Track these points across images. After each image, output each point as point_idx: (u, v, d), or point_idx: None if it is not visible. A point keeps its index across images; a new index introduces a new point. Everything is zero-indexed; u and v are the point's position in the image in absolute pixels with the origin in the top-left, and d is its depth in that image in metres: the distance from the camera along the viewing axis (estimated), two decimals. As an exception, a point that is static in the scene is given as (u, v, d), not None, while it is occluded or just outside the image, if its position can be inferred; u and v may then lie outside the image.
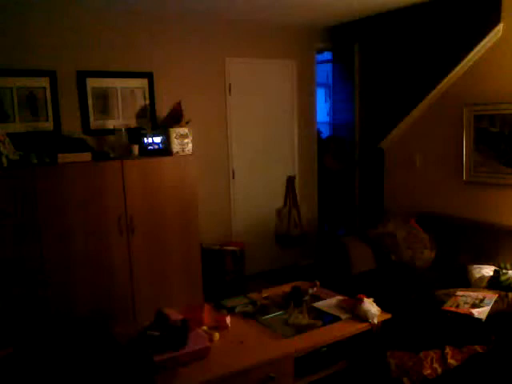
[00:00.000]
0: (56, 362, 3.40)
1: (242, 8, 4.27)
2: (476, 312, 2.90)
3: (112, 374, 3.02)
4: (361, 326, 2.86)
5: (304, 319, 2.89)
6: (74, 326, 3.53)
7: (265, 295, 3.32)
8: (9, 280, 3.30)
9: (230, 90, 4.85)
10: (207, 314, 2.93)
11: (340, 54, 5.90)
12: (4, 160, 3.29)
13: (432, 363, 2.62)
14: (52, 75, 3.92)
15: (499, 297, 3.08)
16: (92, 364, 3.34)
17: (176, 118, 4.00)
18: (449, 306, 3.04)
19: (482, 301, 3.02)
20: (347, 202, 5.71)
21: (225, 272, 4.53)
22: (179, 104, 4.05)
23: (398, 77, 4.89)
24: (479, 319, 2.86)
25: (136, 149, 3.91)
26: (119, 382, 2.89)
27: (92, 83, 4.10)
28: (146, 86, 4.34)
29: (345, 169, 5.70)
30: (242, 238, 4.96)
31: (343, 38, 5.41)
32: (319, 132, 5.97)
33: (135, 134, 4.09)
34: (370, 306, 2.91)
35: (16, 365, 2.87)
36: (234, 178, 4.98)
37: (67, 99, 4.01)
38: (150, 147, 4.05)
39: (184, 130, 3.92)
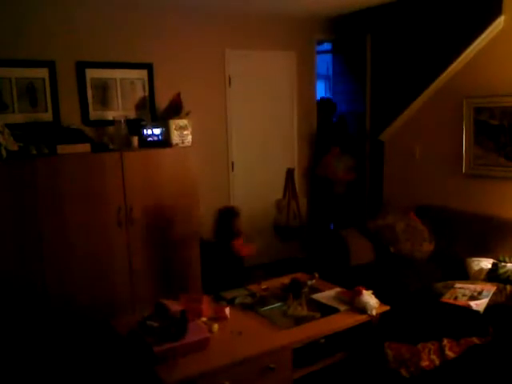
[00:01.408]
0: (57, 354, 3.42)
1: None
2: (474, 304, 2.91)
3: (112, 365, 3.03)
4: (359, 318, 2.87)
5: (303, 311, 2.90)
6: (74, 317, 3.54)
7: (264, 287, 3.33)
8: (8, 272, 3.30)
9: (229, 82, 4.83)
10: (206, 305, 2.94)
11: (342, 46, 5.87)
12: (3, 151, 3.28)
13: (430, 355, 2.64)
14: (51, 66, 3.91)
15: (497, 289, 3.09)
16: (92, 355, 3.36)
17: (175, 109, 4.00)
18: (447, 298, 3.05)
19: (480, 293, 3.03)
20: (355, 197, 5.63)
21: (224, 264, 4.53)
22: (179, 95, 4.04)
23: (403, 68, 4.88)
24: (477, 311, 2.87)
25: (135, 140, 3.91)
26: (119, 373, 2.91)
27: (91, 74, 4.09)
28: (146, 77, 4.33)
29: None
30: (242, 230, 4.95)
31: (348, 29, 5.38)
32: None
33: (135, 126, 4.08)
34: (369, 298, 2.92)
35: None
36: (233, 170, 4.98)
37: (66, 90, 4.00)
38: (149, 139, 4.05)
39: (183, 122, 3.91)
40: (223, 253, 3.44)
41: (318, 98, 5.77)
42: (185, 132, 3.91)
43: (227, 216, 3.45)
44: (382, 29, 5.17)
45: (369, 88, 5.45)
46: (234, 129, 4.92)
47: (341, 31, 5.40)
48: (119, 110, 4.21)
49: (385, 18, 5.01)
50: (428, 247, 3.90)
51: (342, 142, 5.47)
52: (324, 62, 6.35)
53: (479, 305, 2.91)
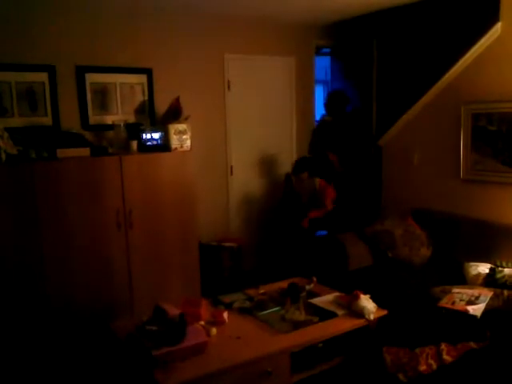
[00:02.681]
0: (56, 356, 3.42)
1: (241, 4, 4.27)
2: (471, 309, 2.92)
3: (111, 369, 3.04)
4: (357, 322, 2.88)
5: (301, 315, 2.91)
6: (73, 319, 3.54)
7: (262, 291, 3.33)
8: (8, 275, 3.30)
9: (228, 87, 4.85)
10: (205, 309, 2.94)
11: (340, 51, 5.90)
12: (3, 155, 3.29)
13: (427, 359, 2.64)
14: (51, 70, 3.92)
15: (494, 294, 3.09)
16: (91, 358, 3.36)
17: (175, 114, 4.01)
18: (444, 302, 3.05)
19: (477, 298, 3.04)
20: (353, 202, 5.60)
21: (222, 268, 4.55)
22: (178, 100, 4.06)
23: (401, 73, 4.91)
24: (474, 316, 2.87)
25: (134, 144, 3.92)
26: (118, 377, 2.91)
27: (91, 78, 4.10)
28: (145, 82, 4.34)
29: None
30: (240, 234, 4.97)
31: (347, 35, 5.42)
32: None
33: (134, 130, 4.09)
34: (367, 303, 2.93)
35: None
36: (232, 174, 4.99)
37: (66, 94, 4.01)
38: (148, 143, 4.06)
39: (183, 126, 3.93)
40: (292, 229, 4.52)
41: (328, 91, 5.79)
42: (184, 136, 3.93)
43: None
44: (381, 35, 5.21)
45: (374, 92, 5.47)
46: (233, 133, 4.94)
47: (339, 37, 5.43)
48: (119, 115, 4.23)
49: (384, 24, 5.04)
50: (426, 252, 3.91)
51: (355, 134, 5.47)
52: (322, 67, 6.37)
53: (476, 309, 2.92)
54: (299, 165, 4.80)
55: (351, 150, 5.56)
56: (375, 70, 5.46)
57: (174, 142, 3.88)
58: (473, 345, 2.68)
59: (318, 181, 4.73)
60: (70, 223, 3.50)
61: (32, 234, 3.37)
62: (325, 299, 3.15)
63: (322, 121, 5.82)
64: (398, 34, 4.98)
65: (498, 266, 3.43)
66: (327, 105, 5.75)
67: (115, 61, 4.20)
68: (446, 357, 2.62)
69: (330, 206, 4.75)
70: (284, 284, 3.32)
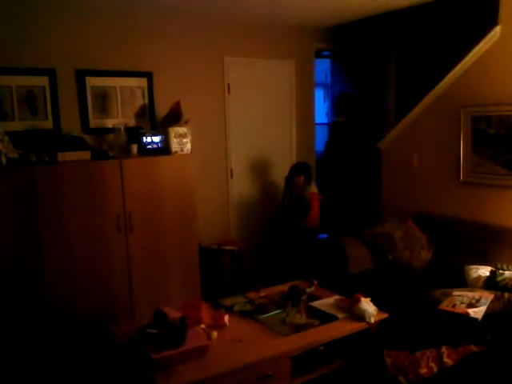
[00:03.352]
0: (56, 361, 3.42)
1: (241, 7, 4.28)
2: (472, 312, 2.92)
3: (111, 372, 3.03)
4: (358, 326, 2.88)
5: (301, 318, 2.91)
6: (73, 323, 3.54)
7: (263, 294, 3.33)
8: (8, 277, 3.30)
9: (228, 90, 4.86)
10: (205, 312, 2.94)
11: (341, 54, 5.92)
12: (3, 159, 3.29)
13: (428, 362, 2.64)
14: (51, 74, 3.93)
15: (495, 297, 3.10)
16: (91, 362, 3.36)
17: (175, 117, 4.02)
18: (445, 305, 3.05)
19: (478, 301, 3.04)
20: (353, 205, 5.63)
21: (223, 271, 4.54)
22: (178, 103, 4.06)
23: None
24: (475, 319, 2.88)
25: (135, 148, 3.93)
26: (118, 380, 2.90)
27: (91, 82, 4.11)
28: (146, 86, 4.35)
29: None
30: (240, 237, 4.97)
31: (347, 39, 5.43)
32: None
33: (134, 133, 4.10)
34: (367, 306, 2.93)
35: None
36: (232, 177, 5.00)
37: (66, 98, 4.02)
38: (148, 146, 4.07)
39: (183, 130, 3.93)
40: (293, 233, 4.55)
41: (338, 93, 5.90)
42: (184, 140, 3.93)
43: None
44: (380, 38, 5.23)
45: (393, 94, 5.46)
46: (233, 136, 4.95)
47: (340, 40, 5.44)
48: (119, 118, 4.23)
49: (383, 29, 5.06)
50: (426, 255, 3.90)
51: (367, 135, 5.48)
52: (322, 70, 6.39)
53: (477, 312, 2.92)
54: (295, 169, 4.80)
55: (366, 152, 5.57)
56: (393, 72, 5.43)
57: (175, 145, 3.88)
58: (473, 348, 2.67)
59: (310, 191, 4.69)
60: (71, 227, 3.50)
61: (32, 237, 3.37)
62: (325, 302, 3.15)
63: (337, 122, 5.82)
64: (397, 36, 5.00)
65: (498, 269, 3.43)
66: (338, 106, 5.75)
67: (115, 64, 4.21)
68: (446, 360, 2.62)
69: (311, 223, 4.67)
70: (285, 287, 3.32)
